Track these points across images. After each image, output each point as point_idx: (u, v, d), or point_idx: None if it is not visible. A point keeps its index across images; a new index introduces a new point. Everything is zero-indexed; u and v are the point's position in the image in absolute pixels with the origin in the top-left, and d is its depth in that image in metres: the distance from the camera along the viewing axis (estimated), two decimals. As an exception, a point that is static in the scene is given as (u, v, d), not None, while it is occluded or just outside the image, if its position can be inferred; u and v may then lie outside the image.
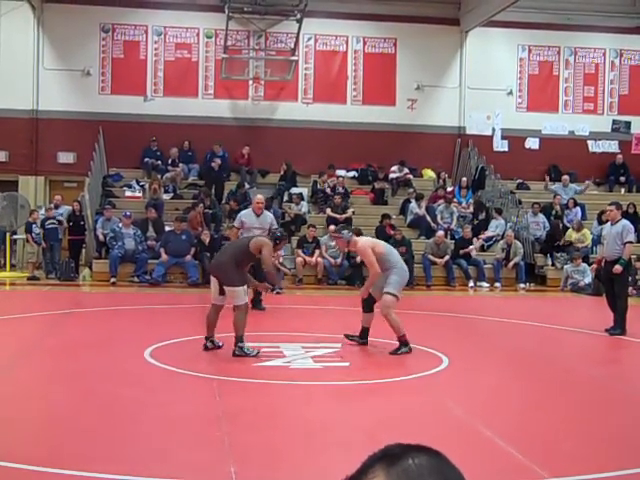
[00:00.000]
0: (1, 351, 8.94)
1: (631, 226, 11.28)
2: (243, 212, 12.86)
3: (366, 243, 9.36)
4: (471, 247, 17.92)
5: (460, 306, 13.50)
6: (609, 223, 11.46)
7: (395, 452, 1.44)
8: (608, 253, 11.18)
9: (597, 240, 19.02)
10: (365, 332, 9.37)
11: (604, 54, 22.93)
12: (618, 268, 10.87)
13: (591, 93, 22.84)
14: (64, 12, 20.45)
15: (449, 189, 20.71)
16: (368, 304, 9.30)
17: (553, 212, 19.64)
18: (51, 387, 7.28)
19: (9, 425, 5.95)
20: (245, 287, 8.70)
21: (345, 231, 9.64)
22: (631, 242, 11.03)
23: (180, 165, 20.34)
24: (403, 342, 8.90)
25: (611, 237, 11.08)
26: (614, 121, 22.80)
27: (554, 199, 19.95)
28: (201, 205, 17.83)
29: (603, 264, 11.42)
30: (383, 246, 9.48)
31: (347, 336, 9.37)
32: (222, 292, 8.77)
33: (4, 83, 20.14)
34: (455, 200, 20.04)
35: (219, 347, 8.90)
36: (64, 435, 5.63)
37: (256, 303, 12.49)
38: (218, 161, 19.56)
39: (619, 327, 10.95)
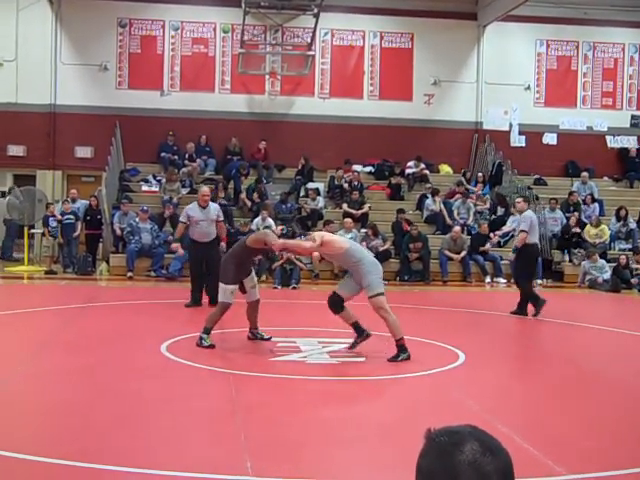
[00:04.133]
0: (19, 345, 9.00)
1: (529, 217, 12.08)
2: (189, 206, 12.61)
3: (321, 234, 8.79)
4: (487, 246, 17.82)
5: (477, 302, 13.48)
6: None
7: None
8: (517, 241, 12.52)
9: (615, 236, 18.97)
10: (357, 327, 8.55)
11: (623, 49, 22.79)
12: (511, 256, 12.51)
13: (610, 88, 22.70)
14: (82, 7, 20.54)
15: (474, 188, 20.53)
16: (336, 305, 8.52)
17: (571, 208, 19.56)
18: (67, 381, 7.31)
19: (26, 418, 5.98)
20: (233, 287, 8.73)
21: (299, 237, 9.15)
22: (524, 231, 11.91)
23: (197, 160, 20.37)
24: (402, 347, 8.16)
25: (518, 226, 12.47)
26: (633, 116, 22.65)
27: (570, 196, 19.84)
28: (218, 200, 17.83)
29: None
30: (345, 242, 8.69)
31: (352, 347, 8.61)
32: (243, 290, 8.96)
33: (22, 78, 20.28)
34: (472, 195, 19.97)
35: (266, 339, 9.14)
36: (80, 428, 5.66)
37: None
38: (243, 179, 19.68)
39: (521, 307, 12.00)
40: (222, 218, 12.56)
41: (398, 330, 8.15)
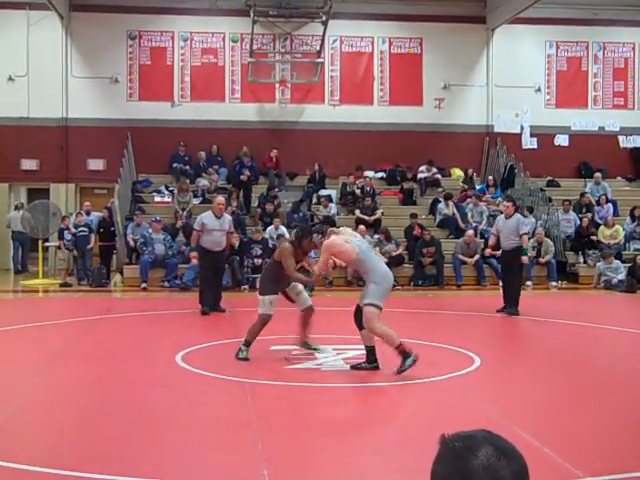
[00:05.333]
0: (35, 357, 9.03)
1: (524, 219, 13.17)
2: (204, 214, 12.75)
3: (330, 244, 8.00)
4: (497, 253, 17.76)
5: (491, 305, 13.40)
6: (503, 216, 12.91)
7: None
8: (506, 244, 12.61)
9: (629, 236, 18.87)
10: (371, 353, 7.99)
11: (633, 48, 22.71)
12: (525, 259, 12.79)
13: (621, 88, 22.62)
14: (91, 20, 20.66)
15: (477, 188, 20.61)
16: (360, 320, 7.95)
17: (583, 209, 19.49)
18: (84, 392, 7.33)
19: (43, 429, 6.00)
20: (271, 297, 8.57)
21: (314, 235, 8.40)
22: (526, 233, 12.75)
23: (212, 171, 20.36)
24: (403, 352, 7.60)
25: (507, 230, 12.53)
26: (645, 115, 22.56)
27: (582, 197, 19.77)
28: (229, 208, 17.89)
29: (501, 253, 13.08)
30: (354, 250, 7.87)
31: (354, 367, 8.09)
32: (290, 299, 8.80)
33: (34, 92, 20.40)
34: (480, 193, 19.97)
35: (314, 349, 8.87)
36: (97, 439, 5.67)
37: (216, 305, 12.58)
38: (247, 172, 19.70)
39: (513, 306, 12.46)
40: (233, 230, 12.98)
41: (392, 340, 7.64)
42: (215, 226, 12.28)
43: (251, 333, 8.61)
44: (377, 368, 7.93)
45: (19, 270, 19.82)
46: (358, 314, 7.98)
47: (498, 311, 12.55)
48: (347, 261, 8.07)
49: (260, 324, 8.59)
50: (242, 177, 19.58)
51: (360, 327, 7.99)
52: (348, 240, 8.03)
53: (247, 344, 8.57)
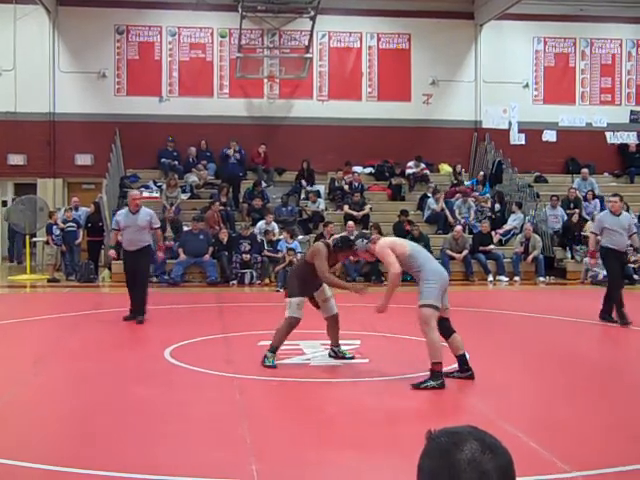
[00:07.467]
0: (23, 353, 9.01)
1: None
2: (119, 212, 11.72)
3: (384, 243, 7.70)
4: (491, 246, 17.87)
5: (479, 301, 13.46)
6: (607, 214, 11.44)
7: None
8: (621, 243, 11.17)
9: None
10: (463, 360, 7.51)
11: (620, 45, 22.79)
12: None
13: (608, 84, 22.70)
14: (79, 15, 20.56)
15: (467, 183, 20.65)
16: (444, 327, 7.46)
17: (571, 205, 19.54)
18: (73, 388, 7.32)
19: (33, 426, 5.98)
20: (299, 299, 8.04)
21: (359, 240, 7.93)
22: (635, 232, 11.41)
23: (202, 167, 20.32)
24: (435, 373, 7.14)
25: (622, 228, 11.08)
26: (632, 112, 22.65)
27: (569, 192, 19.83)
28: (217, 203, 17.88)
29: (609, 254, 11.15)
30: (406, 246, 7.66)
31: (448, 375, 7.40)
32: (316, 305, 8.36)
33: (21, 87, 20.27)
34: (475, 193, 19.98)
35: (348, 358, 8.41)
36: (87, 435, 5.66)
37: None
38: (235, 148, 19.66)
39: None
40: (158, 225, 11.55)
41: (435, 353, 7.17)
42: (127, 223, 11.12)
43: (277, 338, 8.02)
44: (472, 377, 7.45)
45: (20, 262, 19.87)
46: (441, 324, 7.44)
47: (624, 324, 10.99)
48: (401, 255, 7.51)
49: (287, 327, 8.02)
50: (228, 152, 19.52)
51: (445, 337, 7.50)
52: (396, 241, 7.87)
53: (273, 350, 7.98)
